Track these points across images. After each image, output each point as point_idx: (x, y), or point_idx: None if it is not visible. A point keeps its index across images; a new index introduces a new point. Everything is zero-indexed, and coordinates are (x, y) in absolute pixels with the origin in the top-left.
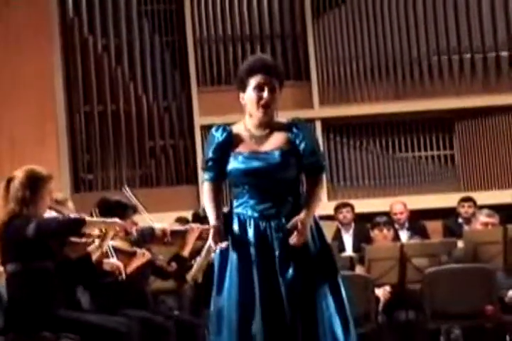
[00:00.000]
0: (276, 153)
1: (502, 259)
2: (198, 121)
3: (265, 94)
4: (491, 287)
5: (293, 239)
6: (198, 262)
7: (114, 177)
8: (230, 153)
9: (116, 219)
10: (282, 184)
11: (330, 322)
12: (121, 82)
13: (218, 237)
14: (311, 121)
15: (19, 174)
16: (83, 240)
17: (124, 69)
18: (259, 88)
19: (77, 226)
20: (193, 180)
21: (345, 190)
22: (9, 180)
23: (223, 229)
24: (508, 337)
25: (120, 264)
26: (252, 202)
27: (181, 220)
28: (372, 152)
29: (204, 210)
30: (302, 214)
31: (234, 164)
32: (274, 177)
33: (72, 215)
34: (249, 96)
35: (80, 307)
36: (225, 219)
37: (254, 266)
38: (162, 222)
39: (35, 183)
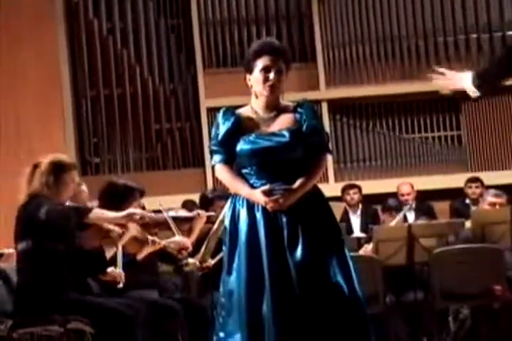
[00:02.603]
0: (285, 133)
1: (510, 239)
2: (204, 103)
3: (272, 75)
4: (499, 267)
5: (269, 204)
6: (205, 244)
7: (121, 161)
8: (238, 136)
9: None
10: (291, 164)
11: (340, 301)
12: (127, 65)
13: (269, 198)
14: (318, 102)
15: (45, 161)
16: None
17: (129, 52)
18: (266, 69)
19: (83, 212)
20: (199, 163)
21: (352, 171)
22: (35, 166)
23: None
24: None
25: (122, 274)
26: (259, 183)
27: (188, 203)
28: (378, 133)
29: (212, 191)
30: (293, 187)
31: (243, 145)
32: (283, 157)
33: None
34: (255, 78)
35: (90, 291)
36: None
37: (263, 247)
38: (169, 204)
39: (59, 170)
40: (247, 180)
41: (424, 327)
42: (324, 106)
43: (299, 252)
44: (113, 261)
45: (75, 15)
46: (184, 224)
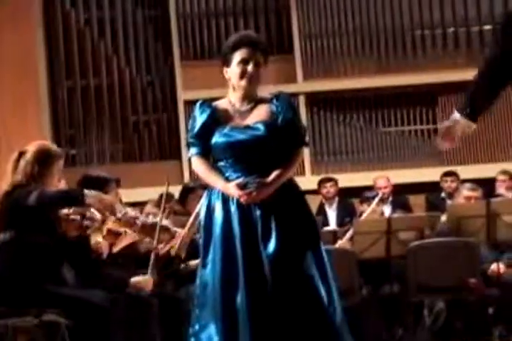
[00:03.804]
0: (260, 126)
1: (485, 233)
2: (181, 95)
3: (250, 67)
4: (474, 260)
5: (243, 197)
6: (180, 237)
7: (97, 152)
8: (214, 129)
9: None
10: (266, 157)
11: (313, 293)
12: (104, 56)
13: (243, 191)
14: (295, 95)
15: (31, 148)
16: (81, 220)
17: (106, 43)
18: (244, 62)
19: (76, 195)
20: (176, 155)
21: (329, 165)
22: (21, 154)
23: (240, 182)
24: (490, 310)
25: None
26: (235, 175)
27: (166, 196)
28: (355, 126)
29: (194, 181)
30: (267, 180)
31: (217, 138)
32: (258, 150)
33: None
34: (233, 70)
35: (66, 283)
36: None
37: (237, 241)
38: (146, 196)
39: (45, 159)
40: (222, 173)
41: (400, 320)
42: (301, 99)
43: (271, 245)
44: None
45: (52, 5)
46: (165, 235)
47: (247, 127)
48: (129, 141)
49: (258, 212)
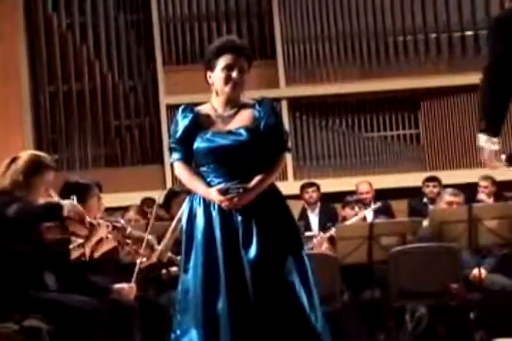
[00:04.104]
0: (243, 132)
1: (467, 238)
2: (164, 99)
3: (234, 73)
4: (455, 266)
5: (224, 202)
6: (163, 242)
7: (80, 157)
8: (196, 134)
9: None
10: (249, 162)
11: (295, 299)
12: (86, 60)
13: (224, 196)
14: (278, 100)
15: (24, 156)
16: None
17: (89, 48)
18: (229, 68)
19: (57, 210)
20: (158, 160)
21: (311, 170)
22: (13, 159)
23: (221, 187)
24: (472, 315)
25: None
26: (216, 181)
27: (147, 201)
28: (338, 131)
29: (178, 186)
30: (249, 185)
31: (199, 143)
32: (240, 155)
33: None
34: (217, 76)
35: (47, 288)
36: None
37: (218, 246)
38: (128, 201)
39: (35, 169)
40: (204, 178)
41: (382, 325)
42: (284, 104)
43: (252, 251)
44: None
45: (34, 9)
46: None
47: (230, 132)
48: (112, 146)
49: (239, 218)
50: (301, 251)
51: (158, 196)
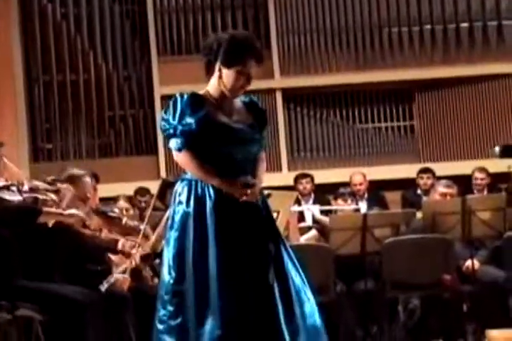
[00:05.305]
0: (246, 127)
1: (460, 230)
2: (158, 90)
3: (248, 82)
4: (449, 257)
5: (246, 196)
6: (157, 232)
7: (74, 147)
8: (197, 120)
9: (74, 211)
10: (251, 157)
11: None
12: (81, 51)
13: (237, 188)
14: (272, 91)
15: None
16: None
17: (83, 38)
18: (246, 76)
19: (33, 216)
20: (152, 150)
21: (305, 161)
22: None
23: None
24: (465, 307)
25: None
26: (226, 173)
27: (141, 191)
28: (332, 123)
29: (173, 176)
30: (257, 180)
31: (207, 133)
32: (245, 149)
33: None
34: (230, 75)
35: (41, 277)
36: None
37: (211, 240)
38: (122, 191)
39: None
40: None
41: (374, 316)
42: (278, 95)
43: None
44: None
45: (29, 0)
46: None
47: (233, 124)
48: (106, 136)
49: (235, 209)
50: (284, 241)
51: (156, 187)
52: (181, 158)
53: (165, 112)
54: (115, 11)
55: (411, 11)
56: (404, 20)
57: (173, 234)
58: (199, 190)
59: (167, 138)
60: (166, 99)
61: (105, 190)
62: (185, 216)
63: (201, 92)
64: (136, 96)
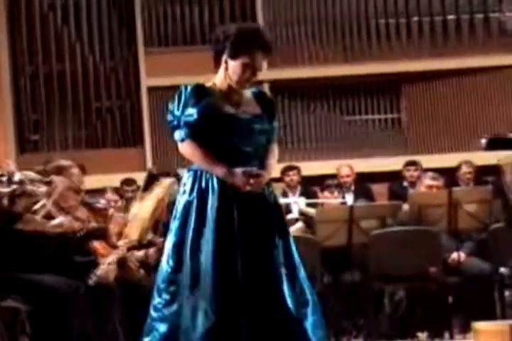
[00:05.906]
0: (254, 117)
1: (446, 222)
2: (145, 82)
3: (255, 74)
4: (435, 249)
5: (249, 185)
6: (143, 224)
7: (60, 138)
8: (199, 110)
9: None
10: (259, 148)
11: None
12: (67, 41)
13: (240, 177)
14: (260, 83)
15: None
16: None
17: (70, 29)
18: (254, 69)
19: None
20: (139, 142)
21: (293, 153)
22: None
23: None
24: (450, 299)
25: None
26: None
27: (128, 181)
28: (319, 115)
29: (156, 167)
30: (264, 171)
31: (211, 123)
32: (253, 140)
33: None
34: (237, 67)
35: (25, 268)
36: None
37: (235, 225)
38: (108, 183)
39: None
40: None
41: (361, 308)
42: (266, 87)
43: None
44: None
45: None
46: None
47: (241, 116)
48: (92, 127)
49: (237, 201)
50: (289, 236)
51: (142, 179)
52: (185, 148)
53: (171, 104)
54: (102, 2)
55: (398, 3)
56: (391, 12)
57: (175, 224)
58: (203, 182)
59: (172, 130)
60: (152, 90)
61: (91, 181)
62: (187, 206)
63: (208, 84)
64: (122, 87)
